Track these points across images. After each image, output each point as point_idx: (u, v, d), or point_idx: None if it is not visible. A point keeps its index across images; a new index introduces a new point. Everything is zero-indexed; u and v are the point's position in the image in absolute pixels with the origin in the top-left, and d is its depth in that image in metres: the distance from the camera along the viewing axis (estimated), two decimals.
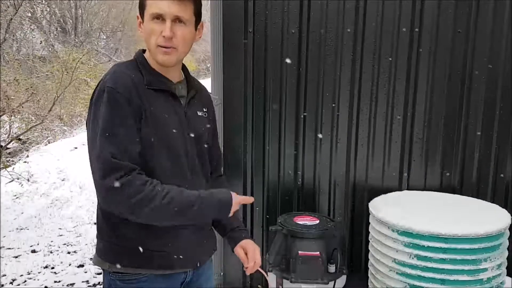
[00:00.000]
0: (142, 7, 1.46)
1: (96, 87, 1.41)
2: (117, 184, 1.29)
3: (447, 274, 1.95)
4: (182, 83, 1.58)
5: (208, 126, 1.66)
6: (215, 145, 1.75)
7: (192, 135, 1.54)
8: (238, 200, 1.49)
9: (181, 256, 1.51)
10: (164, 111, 1.45)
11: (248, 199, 1.60)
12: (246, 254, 1.63)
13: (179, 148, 1.48)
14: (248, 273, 1.63)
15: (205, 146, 1.63)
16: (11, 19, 7.15)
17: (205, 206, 1.42)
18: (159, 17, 1.42)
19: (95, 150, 1.34)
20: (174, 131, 1.47)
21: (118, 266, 1.46)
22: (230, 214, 1.48)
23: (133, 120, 1.37)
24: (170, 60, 1.46)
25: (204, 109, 1.64)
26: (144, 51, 1.55)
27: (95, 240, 1.54)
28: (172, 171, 1.45)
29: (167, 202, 1.35)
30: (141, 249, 1.44)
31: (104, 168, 1.31)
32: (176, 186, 1.41)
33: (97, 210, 1.53)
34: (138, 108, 1.39)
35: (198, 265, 1.61)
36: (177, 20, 1.43)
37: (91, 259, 4.30)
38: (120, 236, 1.46)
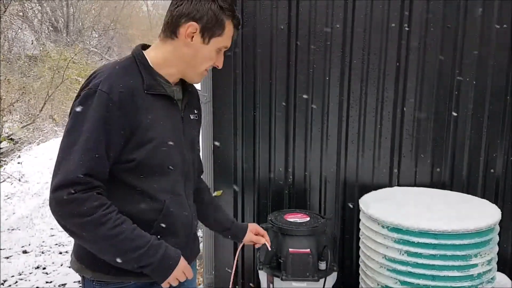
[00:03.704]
0: (214, 30, 1.40)
1: (85, 85, 1.31)
2: (70, 197, 1.22)
3: (438, 270, 1.95)
4: (178, 85, 1.51)
5: (198, 129, 1.62)
6: (199, 146, 1.73)
7: (188, 140, 1.50)
8: (183, 264, 1.39)
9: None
10: (162, 117, 1.39)
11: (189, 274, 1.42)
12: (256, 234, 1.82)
13: (176, 154, 1.44)
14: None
15: (198, 149, 1.61)
16: (0, 17, 7.08)
17: (149, 256, 1.31)
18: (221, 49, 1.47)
19: (67, 157, 1.24)
20: (172, 137, 1.41)
21: (103, 275, 1.39)
22: (173, 281, 1.36)
23: (119, 132, 1.28)
24: None
25: (195, 111, 1.59)
26: (142, 47, 1.44)
27: None
28: (168, 177, 1.41)
29: (115, 234, 1.26)
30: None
31: (65, 179, 1.22)
32: (130, 221, 1.31)
33: None
34: (133, 117, 1.30)
35: None
36: None
37: None
38: None
